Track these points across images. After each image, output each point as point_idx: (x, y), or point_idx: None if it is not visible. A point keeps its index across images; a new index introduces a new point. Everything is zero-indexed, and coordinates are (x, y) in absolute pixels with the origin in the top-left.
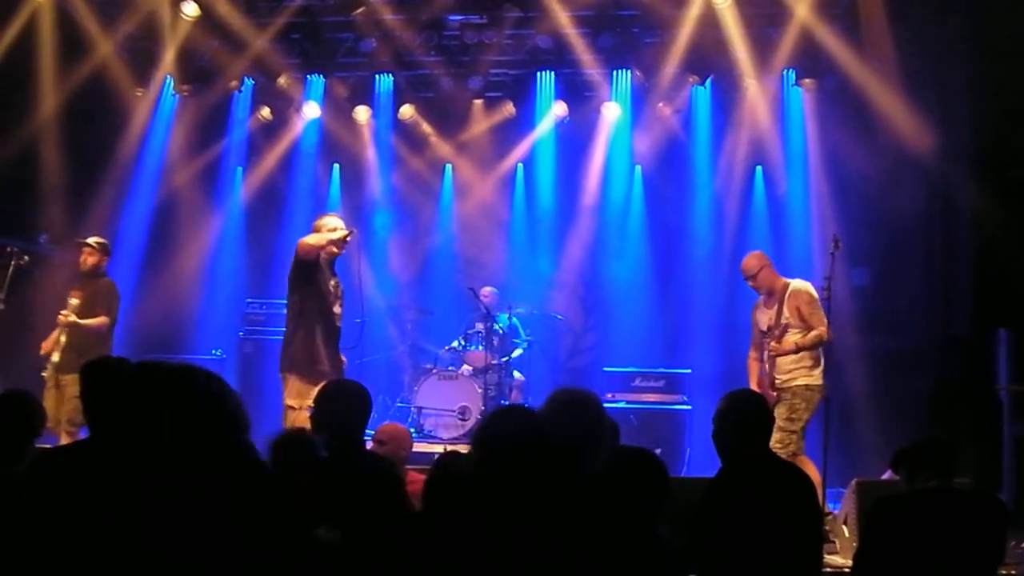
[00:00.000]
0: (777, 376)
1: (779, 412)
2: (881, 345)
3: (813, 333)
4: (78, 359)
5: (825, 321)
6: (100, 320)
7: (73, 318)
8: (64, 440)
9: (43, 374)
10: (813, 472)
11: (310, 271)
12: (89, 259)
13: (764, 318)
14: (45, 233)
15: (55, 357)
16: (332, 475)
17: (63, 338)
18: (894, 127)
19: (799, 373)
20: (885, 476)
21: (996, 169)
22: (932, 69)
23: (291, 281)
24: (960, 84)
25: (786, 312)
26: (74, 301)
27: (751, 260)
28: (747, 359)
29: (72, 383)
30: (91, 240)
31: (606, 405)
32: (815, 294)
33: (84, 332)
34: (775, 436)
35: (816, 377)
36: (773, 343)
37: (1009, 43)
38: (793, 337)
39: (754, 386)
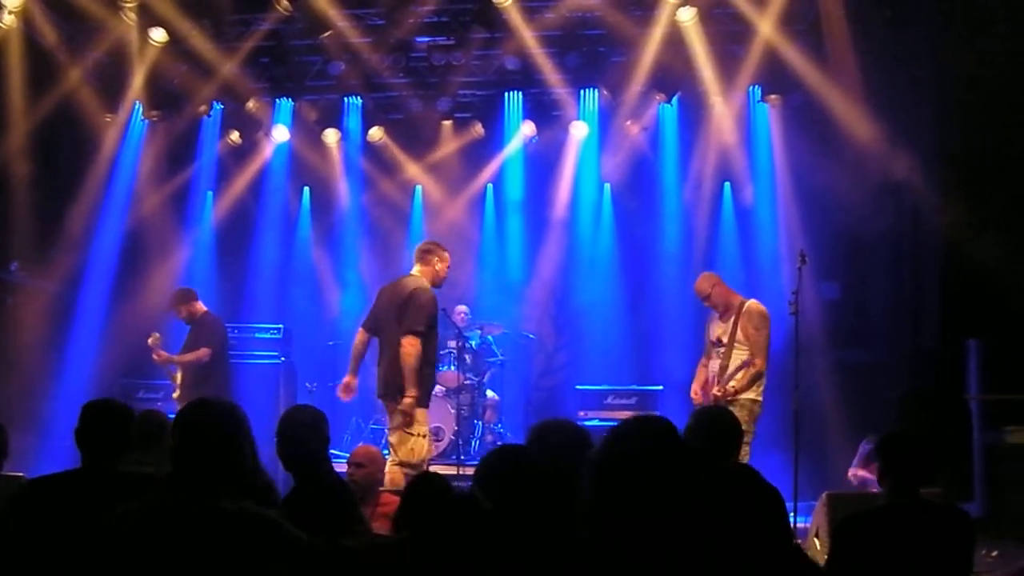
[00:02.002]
0: (723, 392)
1: None
2: (851, 357)
3: (753, 371)
4: (192, 391)
5: (766, 350)
6: (198, 352)
7: (164, 354)
8: None
9: None
10: None
11: (435, 320)
12: (181, 313)
13: (717, 330)
14: (16, 261)
15: (175, 394)
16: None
17: (179, 376)
18: (860, 141)
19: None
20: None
21: (962, 182)
22: (897, 83)
23: (411, 322)
24: (925, 98)
25: (739, 329)
26: (155, 341)
27: (702, 283)
28: (697, 365)
29: None
30: (172, 298)
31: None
32: (766, 317)
33: (186, 367)
34: None
35: (758, 393)
36: (716, 390)
37: (974, 56)
38: (737, 360)
39: (697, 388)
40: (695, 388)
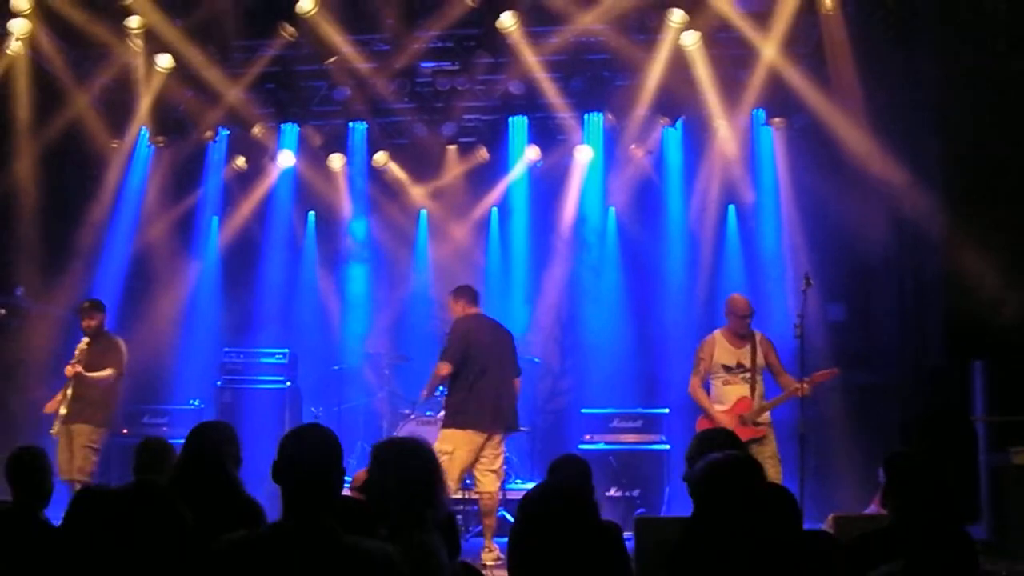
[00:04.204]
0: (761, 414)
1: (771, 449)
2: (856, 379)
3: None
4: (86, 409)
5: None
6: (106, 372)
7: (79, 368)
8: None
9: (51, 431)
10: None
11: None
12: (91, 322)
13: (731, 356)
14: (21, 286)
15: (62, 410)
16: None
17: (69, 391)
18: (864, 164)
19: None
20: (868, 510)
21: (966, 201)
22: (899, 105)
23: (518, 364)
24: (927, 118)
25: (760, 356)
26: (81, 352)
27: (750, 303)
28: (691, 388)
29: (80, 432)
30: (84, 304)
31: (584, 447)
32: None
33: (90, 384)
34: (776, 469)
35: None
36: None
37: (975, 76)
38: (761, 384)
39: (730, 414)
40: (724, 413)
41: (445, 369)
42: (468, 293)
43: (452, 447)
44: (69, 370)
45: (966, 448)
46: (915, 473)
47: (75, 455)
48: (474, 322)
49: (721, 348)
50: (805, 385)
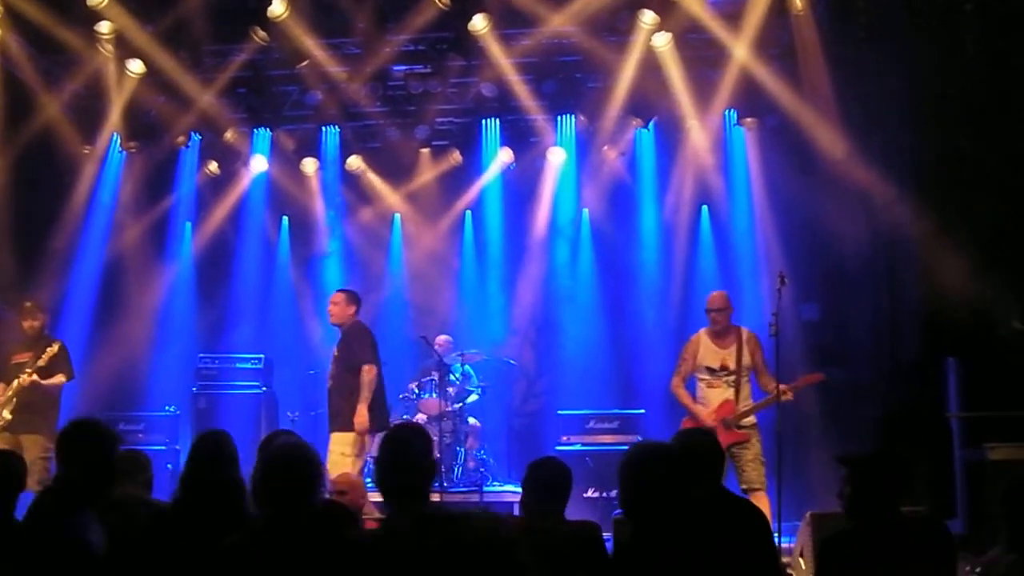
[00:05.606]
0: (744, 418)
1: (754, 451)
2: (831, 377)
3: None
4: (36, 419)
5: None
6: (59, 380)
7: (35, 377)
8: None
9: None
10: (766, 506)
11: None
12: (34, 323)
13: (715, 356)
14: None
15: (6, 414)
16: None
17: (14, 399)
18: (836, 163)
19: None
20: None
21: (938, 198)
22: (870, 105)
23: None
24: (899, 116)
25: (746, 356)
26: (24, 360)
27: (724, 299)
28: (673, 386)
29: (35, 444)
30: (27, 304)
31: (561, 448)
32: None
33: (42, 392)
34: (759, 472)
35: None
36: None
37: (944, 77)
38: (747, 386)
39: (712, 415)
40: (707, 415)
41: (374, 371)
42: (360, 301)
43: (352, 450)
44: (25, 379)
45: (941, 445)
46: (884, 474)
47: (32, 467)
48: (365, 328)
49: (705, 348)
50: (788, 391)
